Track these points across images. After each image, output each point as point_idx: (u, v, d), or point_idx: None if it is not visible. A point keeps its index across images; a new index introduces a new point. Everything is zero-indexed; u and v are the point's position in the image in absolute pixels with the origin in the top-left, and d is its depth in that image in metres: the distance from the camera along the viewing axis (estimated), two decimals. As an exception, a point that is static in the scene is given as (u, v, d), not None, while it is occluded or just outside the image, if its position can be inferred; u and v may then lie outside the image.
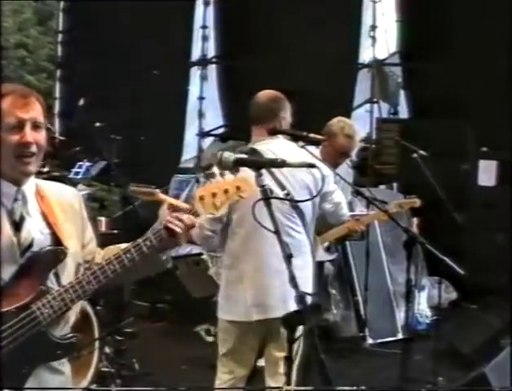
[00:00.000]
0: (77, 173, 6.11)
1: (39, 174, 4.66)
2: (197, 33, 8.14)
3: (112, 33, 7.99)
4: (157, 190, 3.35)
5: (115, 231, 5.24)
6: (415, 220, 5.61)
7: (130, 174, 6.06)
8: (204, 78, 8.19)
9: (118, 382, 4.22)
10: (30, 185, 2.08)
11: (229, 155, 2.20)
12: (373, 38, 7.11)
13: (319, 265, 4.18)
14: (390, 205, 4.18)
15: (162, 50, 7.76)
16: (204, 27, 8.11)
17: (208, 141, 8.22)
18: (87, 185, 6.03)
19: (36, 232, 2.05)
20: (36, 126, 2.03)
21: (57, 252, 2.04)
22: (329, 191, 3.38)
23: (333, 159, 4.04)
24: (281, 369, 3.18)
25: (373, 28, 7.09)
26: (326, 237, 4.11)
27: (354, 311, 5.52)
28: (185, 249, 5.73)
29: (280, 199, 2.98)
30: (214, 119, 8.28)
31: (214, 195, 2.10)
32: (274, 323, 3.17)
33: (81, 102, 4.84)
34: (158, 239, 2.08)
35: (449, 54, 6.64)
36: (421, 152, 4.71)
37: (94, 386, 3.96)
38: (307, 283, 3.22)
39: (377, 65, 7.24)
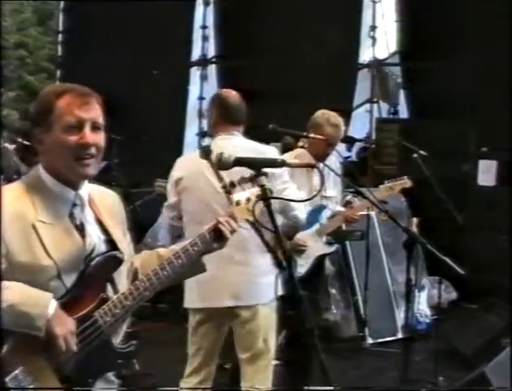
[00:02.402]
0: (77, 173, 6.12)
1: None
2: (197, 33, 8.17)
3: (113, 33, 8.01)
4: None
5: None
6: (415, 220, 5.61)
7: (130, 174, 6.09)
8: (204, 78, 8.21)
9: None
10: (86, 189, 2.01)
11: (229, 156, 2.21)
12: (373, 38, 7.14)
13: (319, 260, 4.20)
14: (380, 188, 4.16)
15: (162, 50, 7.78)
16: (204, 27, 8.14)
17: (208, 141, 8.23)
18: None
19: (95, 238, 1.99)
20: (95, 127, 1.95)
21: (117, 258, 1.99)
22: (276, 189, 3.20)
23: (321, 150, 4.05)
24: (246, 369, 3.24)
25: (373, 28, 7.11)
26: (324, 229, 4.11)
27: (354, 311, 5.52)
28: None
29: (280, 199, 2.97)
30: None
31: (248, 200, 2.16)
32: (221, 317, 3.26)
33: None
34: (204, 242, 2.08)
35: (449, 55, 6.65)
36: (421, 152, 4.71)
37: (94, 386, 3.97)
38: (249, 281, 3.21)
39: (377, 65, 7.26)
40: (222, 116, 3.36)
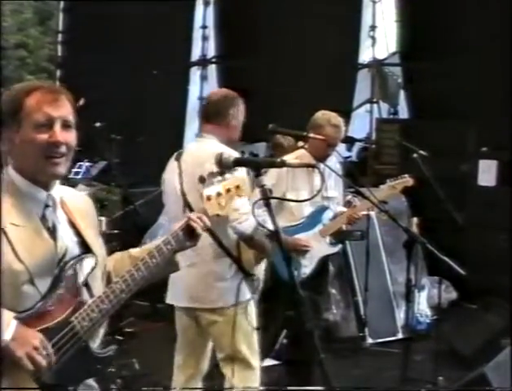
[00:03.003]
0: (77, 173, 6.12)
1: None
2: (197, 33, 8.18)
3: (113, 33, 8.01)
4: None
5: (115, 231, 5.24)
6: (415, 220, 5.61)
7: (130, 174, 6.09)
8: (204, 78, 8.23)
9: (118, 382, 4.23)
10: (57, 190, 1.95)
11: (229, 156, 2.21)
12: (373, 38, 7.14)
13: (323, 262, 4.20)
14: (383, 187, 4.14)
15: (162, 50, 7.78)
16: (204, 27, 8.15)
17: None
18: (87, 185, 6.03)
19: (68, 240, 1.93)
20: (66, 125, 1.89)
21: (91, 261, 1.94)
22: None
23: (322, 151, 4.04)
24: (224, 369, 3.27)
25: (373, 28, 7.11)
26: (327, 229, 4.10)
27: (354, 311, 5.52)
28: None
29: (280, 199, 2.98)
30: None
31: (218, 195, 2.11)
32: (194, 317, 3.32)
33: (81, 102, 4.85)
34: (177, 240, 2.04)
35: (449, 55, 6.65)
36: (421, 152, 4.70)
37: (94, 386, 3.97)
38: (208, 286, 3.23)
39: (377, 65, 7.26)
40: (205, 114, 3.39)
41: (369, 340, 5.40)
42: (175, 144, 8.13)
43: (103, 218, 5.50)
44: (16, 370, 1.79)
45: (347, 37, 7.29)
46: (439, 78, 6.75)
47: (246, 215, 3.02)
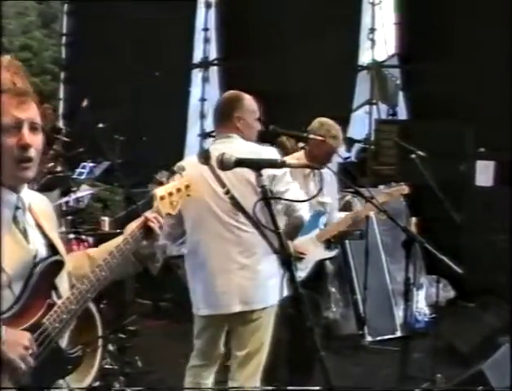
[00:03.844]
0: (80, 174, 6.17)
1: (50, 174, 4.62)
2: (199, 36, 8.21)
3: (115, 35, 8.06)
4: None
5: (118, 231, 5.29)
6: (413, 219, 5.67)
7: (133, 175, 6.14)
8: (205, 80, 8.26)
9: (121, 379, 4.25)
10: (25, 192, 1.93)
11: (230, 156, 2.23)
12: (372, 41, 7.17)
13: (319, 264, 4.26)
14: (379, 194, 4.12)
15: (164, 52, 7.83)
16: (205, 29, 8.19)
17: (209, 142, 8.30)
18: (91, 185, 6.08)
19: (37, 243, 1.92)
20: (33, 128, 1.85)
21: (59, 262, 1.93)
22: (279, 191, 3.18)
23: (322, 161, 3.99)
24: (238, 367, 3.27)
25: (372, 30, 7.15)
26: (324, 234, 4.15)
27: (353, 309, 5.54)
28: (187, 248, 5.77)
29: (280, 199, 3.02)
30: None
31: (170, 194, 2.20)
32: (228, 320, 3.28)
33: (85, 103, 4.89)
34: (135, 240, 2.07)
35: (447, 56, 6.69)
36: (420, 153, 4.71)
37: (97, 383, 3.98)
38: (257, 286, 3.22)
39: (376, 67, 7.30)
40: (215, 119, 3.42)
41: (368, 338, 5.43)
42: (177, 145, 8.23)
43: (106, 218, 5.57)
44: None
45: (347, 40, 7.32)
46: (437, 80, 6.79)
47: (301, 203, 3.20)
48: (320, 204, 4.12)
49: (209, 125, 8.21)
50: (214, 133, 8.99)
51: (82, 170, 6.18)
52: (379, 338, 5.44)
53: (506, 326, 4.80)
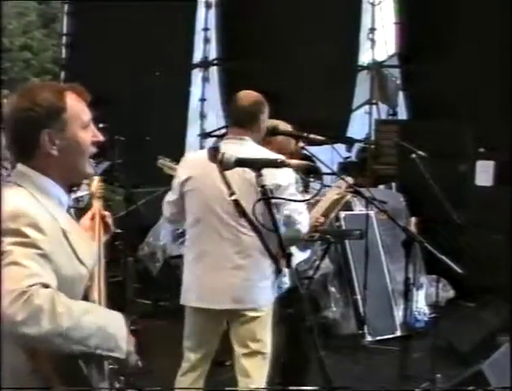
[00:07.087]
0: (80, 174, 6.17)
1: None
2: (199, 36, 8.22)
3: (116, 36, 8.06)
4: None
5: (119, 231, 5.31)
6: (413, 219, 5.67)
7: (133, 175, 6.15)
8: (205, 80, 8.27)
9: (121, 379, 4.26)
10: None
11: (230, 156, 2.23)
12: (372, 41, 7.18)
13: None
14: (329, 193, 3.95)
15: (164, 52, 7.83)
16: (205, 29, 8.20)
17: (209, 142, 8.31)
18: (91, 185, 6.08)
19: None
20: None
21: None
22: (280, 203, 3.07)
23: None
24: (243, 364, 3.29)
25: (372, 30, 7.16)
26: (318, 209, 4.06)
27: (353, 309, 5.55)
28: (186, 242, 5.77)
29: (280, 199, 3.03)
30: (216, 120, 8.36)
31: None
32: (226, 316, 3.30)
33: (85, 103, 4.88)
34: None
35: (447, 56, 6.69)
36: (420, 153, 4.72)
37: (97, 383, 4.01)
38: (251, 286, 3.23)
39: (376, 67, 7.31)
40: (230, 118, 3.43)
41: (368, 338, 5.43)
42: (177, 145, 8.23)
43: (106, 218, 5.57)
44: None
45: (347, 40, 7.34)
46: (438, 80, 6.80)
47: (303, 214, 3.20)
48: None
49: (208, 125, 8.23)
50: (214, 133, 9.06)
51: (82, 170, 6.18)
52: (379, 338, 5.44)
53: (506, 325, 4.80)
